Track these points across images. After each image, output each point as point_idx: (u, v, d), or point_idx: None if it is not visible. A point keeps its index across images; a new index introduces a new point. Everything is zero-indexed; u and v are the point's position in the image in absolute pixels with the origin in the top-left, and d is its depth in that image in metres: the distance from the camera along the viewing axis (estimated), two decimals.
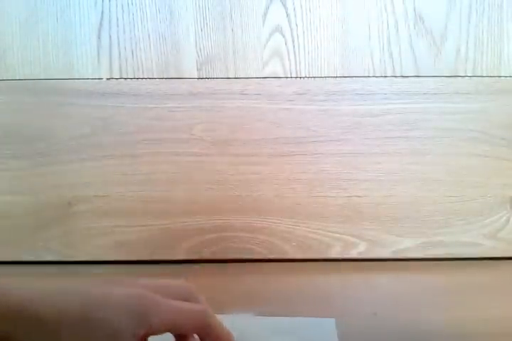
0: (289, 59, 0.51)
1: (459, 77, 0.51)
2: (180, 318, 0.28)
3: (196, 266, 0.53)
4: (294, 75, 0.52)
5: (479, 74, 0.51)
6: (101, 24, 0.51)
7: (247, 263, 0.54)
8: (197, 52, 0.51)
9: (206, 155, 0.53)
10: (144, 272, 0.51)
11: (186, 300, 0.29)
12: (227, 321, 0.31)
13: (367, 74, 0.52)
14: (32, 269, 0.53)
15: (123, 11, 0.50)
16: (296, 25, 0.51)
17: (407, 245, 0.54)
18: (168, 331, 0.28)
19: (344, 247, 0.54)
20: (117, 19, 0.51)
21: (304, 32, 0.51)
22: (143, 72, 0.52)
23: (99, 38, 0.51)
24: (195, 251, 0.54)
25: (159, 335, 0.27)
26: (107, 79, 0.52)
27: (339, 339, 0.37)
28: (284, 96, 0.52)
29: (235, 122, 0.52)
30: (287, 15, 0.50)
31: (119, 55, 0.51)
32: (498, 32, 0.51)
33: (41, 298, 0.26)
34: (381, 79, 0.52)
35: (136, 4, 0.50)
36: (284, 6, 0.50)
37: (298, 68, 0.51)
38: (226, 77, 0.52)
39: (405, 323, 0.36)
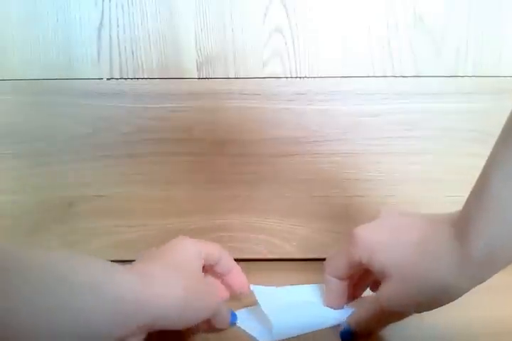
0: (289, 59, 0.51)
1: (459, 77, 0.51)
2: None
3: None
4: (294, 75, 0.52)
5: (479, 74, 0.51)
6: (101, 24, 0.51)
7: (247, 263, 0.54)
8: (197, 52, 0.51)
9: (206, 155, 0.53)
10: None
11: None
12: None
13: (367, 74, 0.51)
14: None
15: (123, 11, 0.50)
16: (296, 25, 0.51)
17: None
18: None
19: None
20: (117, 19, 0.51)
21: (304, 32, 0.51)
22: (143, 72, 0.52)
23: (99, 38, 0.51)
24: None
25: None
26: (107, 79, 0.52)
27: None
28: (284, 96, 0.52)
29: (235, 122, 0.52)
30: (287, 15, 0.50)
31: (119, 55, 0.51)
32: (498, 32, 0.51)
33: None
34: (381, 79, 0.52)
35: (136, 4, 0.50)
36: (284, 6, 0.50)
37: (298, 68, 0.51)
38: (226, 77, 0.52)
39: (406, 323, 0.36)
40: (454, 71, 0.51)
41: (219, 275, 0.42)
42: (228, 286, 0.43)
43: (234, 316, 0.40)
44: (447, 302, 0.32)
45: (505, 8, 0.50)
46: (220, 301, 0.38)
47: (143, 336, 0.32)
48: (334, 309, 0.40)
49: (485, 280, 0.30)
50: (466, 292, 0.31)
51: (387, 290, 0.33)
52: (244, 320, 0.40)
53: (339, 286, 0.39)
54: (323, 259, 0.41)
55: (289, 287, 0.44)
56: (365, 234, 0.36)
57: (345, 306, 0.40)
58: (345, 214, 0.54)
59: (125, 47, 0.51)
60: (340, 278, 0.39)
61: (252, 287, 0.42)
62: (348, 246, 0.37)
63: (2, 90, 0.52)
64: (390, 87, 0.52)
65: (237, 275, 0.42)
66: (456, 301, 0.30)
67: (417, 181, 0.53)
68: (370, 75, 0.52)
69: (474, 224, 0.29)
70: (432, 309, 0.32)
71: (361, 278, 0.40)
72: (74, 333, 0.28)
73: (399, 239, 0.34)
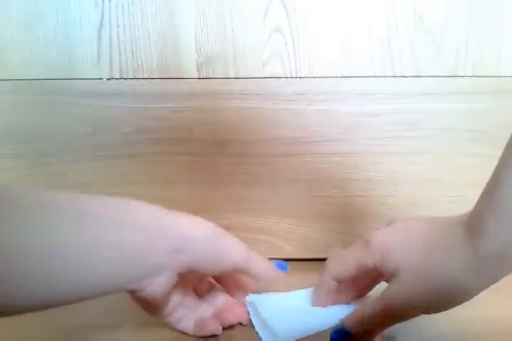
0: (289, 59, 0.51)
1: (459, 77, 0.51)
2: None
3: None
4: (294, 75, 0.52)
5: (479, 74, 0.51)
6: (101, 24, 0.51)
7: None
8: (197, 52, 0.51)
9: (206, 155, 0.53)
10: None
11: None
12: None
13: (367, 74, 0.51)
14: None
15: (123, 11, 0.50)
16: (296, 25, 0.51)
17: None
18: None
19: (344, 247, 0.53)
20: (117, 19, 0.51)
21: (304, 32, 0.51)
22: (143, 72, 0.52)
23: (99, 38, 0.51)
24: None
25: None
26: (107, 79, 0.52)
27: None
28: (284, 96, 0.52)
29: (235, 122, 0.52)
30: (287, 15, 0.50)
31: (119, 55, 0.51)
32: (498, 32, 0.51)
33: None
34: (381, 79, 0.52)
35: (136, 4, 0.50)
36: (284, 6, 0.50)
37: (298, 68, 0.51)
38: (226, 77, 0.52)
39: (406, 323, 0.36)
40: (453, 71, 0.51)
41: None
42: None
43: (283, 265, 0.40)
44: (457, 303, 0.31)
45: (505, 8, 0.50)
46: (249, 249, 0.37)
47: (174, 278, 0.33)
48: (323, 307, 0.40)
49: (497, 280, 0.30)
50: (477, 292, 0.31)
51: (396, 288, 0.33)
52: (255, 316, 0.40)
53: (334, 288, 0.39)
54: (323, 259, 0.41)
55: (286, 293, 0.43)
56: (379, 237, 0.36)
57: (348, 305, 0.40)
58: (345, 214, 0.54)
59: (125, 47, 0.51)
60: (340, 281, 0.39)
61: (249, 297, 0.41)
62: (360, 249, 0.37)
63: (2, 90, 0.52)
64: (390, 87, 0.52)
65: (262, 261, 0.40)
66: None
67: (417, 181, 0.53)
68: (370, 75, 0.52)
69: (485, 222, 0.29)
70: (441, 310, 0.32)
71: (367, 281, 0.40)
72: (106, 266, 0.29)
73: (411, 240, 0.34)
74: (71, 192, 0.31)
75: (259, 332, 0.38)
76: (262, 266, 0.38)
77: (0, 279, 0.25)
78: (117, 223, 0.30)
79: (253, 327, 0.39)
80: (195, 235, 0.33)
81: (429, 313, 0.33)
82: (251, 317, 0.40)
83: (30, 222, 0.27)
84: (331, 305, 0.40)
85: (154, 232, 0.31)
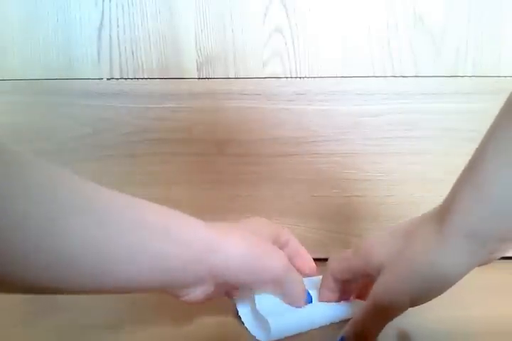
0: (289, 59, 0.51)
1: (459, 77, 0.51)
2: None
3: None
4: (293, 75, 0.52)
5: (479, 74, 0.51)
6: (101, 24, 0.51)
7: None
8: (197, 52, 0.51)
9: (206, 155, 0.53)
10: None
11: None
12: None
13: (367, 74, 0.52)
14: None
15: (123, 11, 0.50)
16: (296, 25, 0.51)
17: None
18: None
19: (344, 247, 0.54)
20: (117, 19, 0.51)
21: (304, 32, 0.51)
22: (143, 72, 0.52)
23: (99, 38, 0.51)
24: None
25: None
26: (108, 79, 0.52)
27: None
28: (284, 96, 0.52)
29: (235, 122, 0.52)
30: (287, 15, 0.50)
31: (120, 55, 0.51)
32: (498, 32, 0.51)
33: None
34: (381, 79, 0.52)
35: (136, 4, 0.50)
36: (284, 6, 0.50)
37: (298, 68, 0.51)
38: (226, 77, 0.52)
39: (406, 323, 0.36)
40: (453, 71, 0.51)
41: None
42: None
43: (309, 298, 0.40)
44: (441, 290, 0.31)
45: (505, 8, 0.50)
46: (290, 265, 0.38)
47: (211, 288, 0.34)
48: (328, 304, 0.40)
49: (485, 261, 0.30)
50: (459, 276, 0.30)
51: (379, 283, 0.34)
52: (246, 314, 0.40)
53: (336, 285, 0.40)
54: (323, 259, 0.41)
55: None
56: (367, 241, 0.37)
57: (340, 304, 0.40)
58: (345, 214, 0.54)
59: (125, 47, 0.51)
60: (338, 281, 0.39)
61: (238, 299, 0.41)
62: (350, 254, 0.38)
63: (2, 90, 0.52)
64: (390, 87, 0.52)
65: (304, 258, 0.43)
66: (457, 300, 0.30)
67: (417, 181, 0.53)
68: (370, 75, 0.52)
69: (460, 199, 0.29)
70: (426, 299, 0.32)
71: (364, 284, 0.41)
72: (150, 274, 0.30)
73: (392, 236, 0.35)
74: (125, 197, 0.32)
75: (249, 329, 0.39)
76: (295, 289, 0.38)
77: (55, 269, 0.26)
78: (164, 234, 0.30)
79: (242, 323, 0.39)
80: (238, 253, 0.33)
81: (416, 304, 0.33)
82: (240, 314, 0.40)
83: (89, 221, 0.27)
84: (334, 299, 0.40)
85: (198, 249, 0.32)
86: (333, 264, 0.40)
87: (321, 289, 0.41)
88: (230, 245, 0.33)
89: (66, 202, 0.27)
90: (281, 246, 0.41)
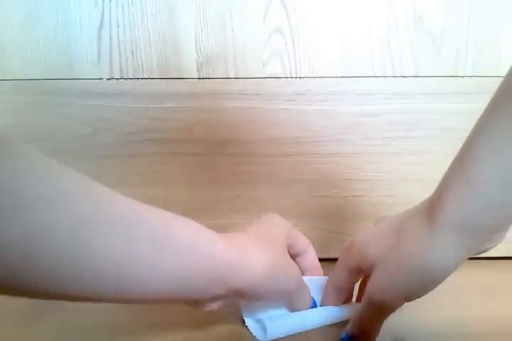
0: (288, 59, 0.51)
1: (459, 77, 0.52)
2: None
3: None
4: (293, 75, 0.52)
5: (479, 74, 0.51)
6: (101, 24, 0.51)
7: None
8: (197, 52, 0.51)
9: (206, 155, 0.53)
10: None
11: None
12: None
13: (367, 74, 0.52)
14: None
15: (123, 11, 0.50)
16: (296, 25, 0.51)
17: None
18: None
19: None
20: (117, 19, 0.51)
21: (304, 32, 0.51)
22: (143, 72, 0.52)
23: (99, 38, 0.51)
24: None
25: None
26: (108, 79, 0.52)
27: None
28: (284, 96, 0.52)
29: (235, 122, 0.52)
30: (287, 15, 0.50)
31: (120, 55, 0.51)
32: (498, 32, 0.51)
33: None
34: (381, 79, 0.52)
35: (136, 4, 0.50)
36: (284, 6, 0.50)
37: (298, 68, 0.51)
38: (226, 77, 0.52)
39: (406, 323, 0.36)
40: (453, 71, 0.51)
41: (293, 256, 0.42)
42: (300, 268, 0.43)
43: (314, 304, 0.40)
44: (434, 283, 0.31)
45: (505, 8, 0.50)
46: (302, 281, 0.38)
47: (226, 302, 0.34)
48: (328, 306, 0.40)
49: (474, 252, 0.30)
50: (451, 269, 0.30)
51: (373, 279, 0.34)
52: (248, 314, 0.40)
53: (337, 292, 0.40)
54: (323, 259, 0.41)
55: None
56: (358, 237, 0.37)
57: (339, 306, 0.40)
58: (344, 214, 0.54)
59: (125, 47, 0.51)
60: (339, 289, 0.39)
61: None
62: (344, 253, 0.38)
63: (2, 90, 0.52)
64: (390, 87, 0.52)
65: (311, 257, 0.42)
66: (456, 301, 0.30)
67: (417, 181, 0.53)
68: (370, 75, 0.52)
69: (449, 191, 0.29)
70: (420, 293, 0.32)
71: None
72: (171, 287, 0.29)
73: (384, 231, 0.35)
74: (160, 213, 0.31)
75: (249, 327, 0.39)
76: (303, 302, 0.39)
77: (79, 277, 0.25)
78: (188, 251, 0.30)
79: (243, 322, 0.39)
80: (258, 275, 0.33)
81: (412, 299, 0.33)
82: (243, 314, 0.40)
83: (115, 232, 0.27)
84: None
85: (220, 270, 0.32)
86: (332, 276, 0.40)
87: (323, 299, 0.40)
88: (251, 267, 0.33)
89: (90, 212, 0.26)
90: (296, 254, 0.41)
